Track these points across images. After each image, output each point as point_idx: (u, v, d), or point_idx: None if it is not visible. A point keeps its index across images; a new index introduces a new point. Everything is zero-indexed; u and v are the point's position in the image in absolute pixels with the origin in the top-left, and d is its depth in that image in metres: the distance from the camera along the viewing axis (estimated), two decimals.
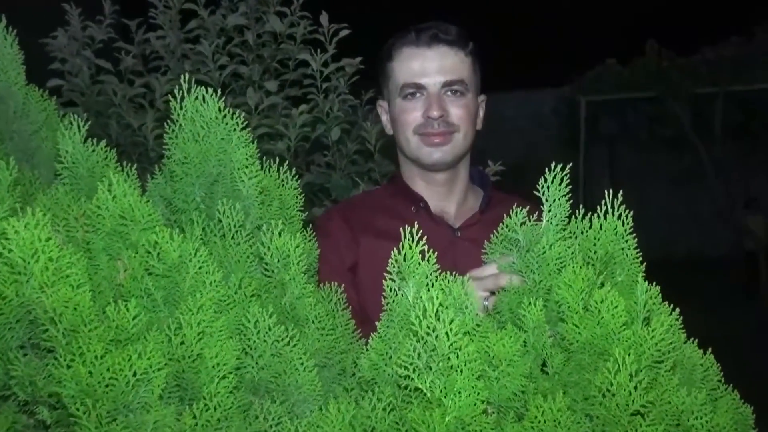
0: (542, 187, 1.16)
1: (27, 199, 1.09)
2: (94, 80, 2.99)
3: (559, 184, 1.15)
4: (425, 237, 0.99)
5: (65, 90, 2.94)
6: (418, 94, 1.83)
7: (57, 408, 0.84)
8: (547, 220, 1.17)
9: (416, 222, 1.04)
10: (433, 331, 0.89)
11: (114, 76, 3.00)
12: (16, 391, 0.85)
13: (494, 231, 1.26)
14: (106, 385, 0.83)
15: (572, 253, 1.12)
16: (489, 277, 1.31)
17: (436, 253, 1.00)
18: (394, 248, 1.01)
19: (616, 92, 11.92)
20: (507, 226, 1.22)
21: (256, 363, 0.98)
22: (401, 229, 0.99)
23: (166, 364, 0.87)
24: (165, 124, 1.18)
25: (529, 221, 1.18)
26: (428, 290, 0.92)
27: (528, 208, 1.18)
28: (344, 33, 2.80)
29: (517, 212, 1.19)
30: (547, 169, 1.15)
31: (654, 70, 11.38)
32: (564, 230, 1.16)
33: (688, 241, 12.52)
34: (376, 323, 1.03)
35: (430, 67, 1.82)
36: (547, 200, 1.16)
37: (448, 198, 1.95)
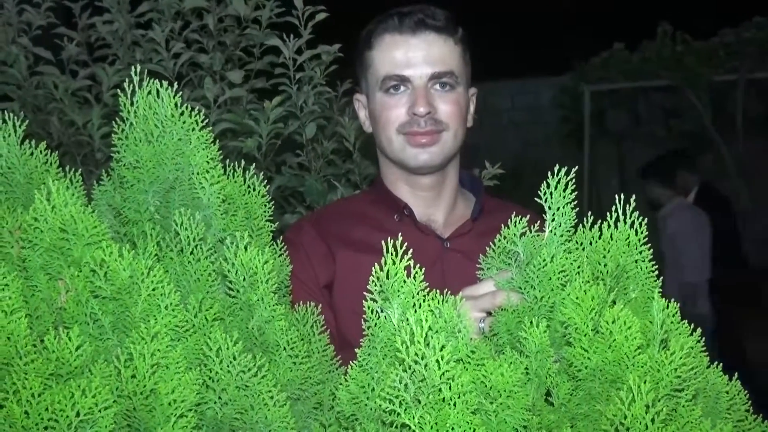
0: (544, 192, 1.15)
1: None
2: (32, 71, 2.97)
3: (564, 190, 1.15)
4: (411, 250, 0.99)
5: None
6: (402, 88, 1.82)
7: None
8: (551, 231, 1.17)
9: (400, 233, 1.03)
10: (422, 358, 0.88)
11: (55, 66, 2.98)
12: None
13: (488, 242, 1.26)
14: (45, 428, 0.82)
15: (579, 267, 1.12)
16: (485, 296, 1.31)
17: (423, 269, 0.99)
18: (375, 263, 1.00)
19: (625, 81, 11.97)
20: (505, 237, 1.22)
21: (220, 398, 0.97)
22: (383, 241, 0.98)
23: (114, 402, 0.86)
24: (114, 121, 1.17)
25: (530, 231, 1.18)
26: (415, 312, 0.91)
27: (528, 216, 1.17)
28: (321, 16, 2.79)
29: (516, 221, 1.19)
30: (549, 173, 1.15)
31: (668, 56, 11.45)
32: (569, 241, 1.16)
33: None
34: (356, 350, 1.03)
35: (415, 56, 1.81)
36: (550, 208, 1.16)
37: (435, 205, 1.95)
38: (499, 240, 1.23)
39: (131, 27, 2.92)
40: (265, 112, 2.70)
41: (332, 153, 3.03)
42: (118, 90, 1.17)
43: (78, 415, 0.83)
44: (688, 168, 6.56)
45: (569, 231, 1.16)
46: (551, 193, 1.15)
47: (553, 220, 1.16)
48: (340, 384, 1.03)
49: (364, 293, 1.02)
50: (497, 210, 1.90)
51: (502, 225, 1.21)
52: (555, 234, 1.16)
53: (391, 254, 0.99)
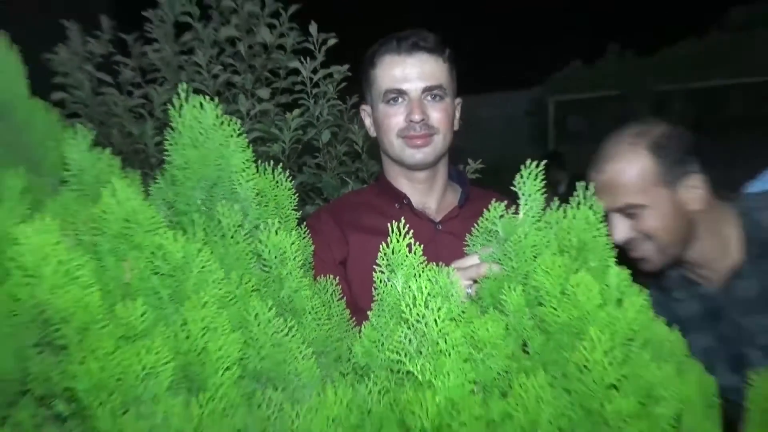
0: (518, 182, 1.16)
1: (36, 205, 1.08)
2: (96, 92, 2.97)
3: (534, 180, 1.15)
4: (410, 231, 0.99)
5: (69, 102, 2.91)
6: (400, 99, 1.82)
7: (72, 401, 0.83)
8: (524, 213, 1.17)
9: (401, 218, 1.04)
10: (423, 318, 0.88)
11: (114, 88, 2.98)
12: (32, 386, 0.83)
13: (473, 224, 1.26)
14: (118, 380, 0.82)
15: (548, 242, 1.12)
16: (471, 267, 1.31)
17: (421, 246, 1.00)
18: (383, 242, 1.00)
19: (582, 92, 11.96)
20: (486, 219, 1.22)
21: (258, 353, 0.97)
22: (389, 224, 0.98)
23: (173, 358, 0.86)
24: (164, 131, 1.17)
25: (507, 214, 1.18)
26: (416, 281, 0.91)
27: (506, 202, 1.18)
28: (332, 42, 2.79)
29: (495, 206, 1.19)
30: (522, 166, 1.15)
31: (616, 70, 11.45)
32: (539, 221, 1.16)
33: None
34: (368, 312, 1.03)
35: (411, 73, 1.80)
36: (523, 194, 1.16)
37: (429, 194, 1.95)
38: (482, 221, 1.23)
39: (176, 54, 2.91)
40: (288, 122, 2.70)
41: (344, 155, 3.02)
42: (168, 105, 1.17)
43: (144, 369, 0.83)
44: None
45: (539, 213, 1.16)
46: (524, 183, 1.16)
47: (526, 204, 1.16)
48: (356, 341, 1.03)
49: (373, 267, 1.02)
50: (480, 198, 1.90)
51: (484, 209, 1.21)
52: (528, 216, 1.16)
53: (396, 235, 0.99)
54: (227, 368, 0.90)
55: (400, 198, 1.90)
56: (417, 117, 1.78)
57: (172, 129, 1.16)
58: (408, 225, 0.99)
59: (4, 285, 0.86)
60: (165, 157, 1.17)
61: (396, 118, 1.82)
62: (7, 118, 1.27)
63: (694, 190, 1.72)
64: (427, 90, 1.81)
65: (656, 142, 1.70)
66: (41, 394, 0.84)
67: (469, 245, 1.29)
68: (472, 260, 1.32)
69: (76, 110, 2.92)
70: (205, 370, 0.89)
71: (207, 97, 1.16)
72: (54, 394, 0.84)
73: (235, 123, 1.17)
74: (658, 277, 1.87)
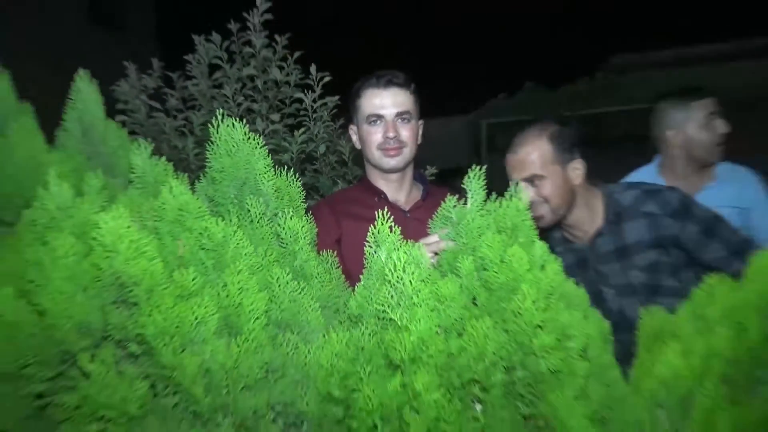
0: (467, 181, 1.16)
1: (111, 199, 1.06)
2: (149, 116, 2.91)
3: (478, 180, 1.16)
4: (391, 217, 0.99)
5: (129, 123, 2.86)
6: (378, 121, 1.82)
7: (142, 344, 0.82)
8: (471, 203, 1.17)
9: (380, 208, 1.04)
10: (401, 280, 0.89)
11: (162, 112, 2.92)
12: (112, 333, 0.82)
13: (433, 212, 1.26)
14: (176, 327, 0.81)
15: (489, 225, 1.12)
16: (433, 243, 1.32)
17: (399, 228, 1.00)
18: (369, 225, 1.00)
19: (506, 117, 12.05)
20: (443, 209, 1.22)
21: (279, 307, 0.97)
22: (373, 212, 0.98)
23: (217, 311, 0.86)
24: (201, 145, 1.15)
25: (458, 205, 1.18)
26: (396, 253, 0.91)
27: (457, 196, 1.18)
28: (327, 79, 2.77)
29: (449, 199, 1.19)
30: (470, 170, 1.16)
31: (531, 101, 11.53)
32: (481, 209, 1.16)
33: None
34: (360, 277, 1.03)
35: (386, 102, 1.81)
36: (471, 189, 1.16)
37: (399, 191, 1.95)
38: (440, 210, 1.23)
39: (209, 87, 2.87)
40: (295, 138, 2.67)
41: (335, 163, 3.00)
42: (204, 126, 1.15)
43: (196, 319, 0.82)
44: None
45: (482, 203, 1.16)
46: (471, 182, 1.16)
47: (472, 197, 1.16)
48: (350, 298, 1.02)
49: (362, 244, 1.02)
50: (436, 193, 1.91)
51: (440, 201, 1.21)
52: (474, 205, 1.16)
53: (381, 220, 0.99)
54: (257, 318, 0.90)
55: (379, 193, 1.90)
56: (391, 134, 1.79)
57: (212, 143, 1.14)
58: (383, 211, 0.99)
59: (88, 257, 0.85)
60: (206, 164, 1.16)
61: (376, 135, 1.83)
62: (89, 135, 1.24)
63: (576, 170, 1.82)
64: (398, 114, 1.82)
65: (553, 134, 1.81)
66: (119, 339, 0.83)
67: (431, 228, 1.29)
68: (434, 238, 1.32)
69: (134, 129, 2.87)
70: (240, 320, 0.89)
71: (234, 120, 1.14)
72: (128, 338, 0.83)
73: (258, 138, 1.16)
74: (544, 237, 1.94)
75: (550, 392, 0.91)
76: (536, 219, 1.77)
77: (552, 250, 1.92)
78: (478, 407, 0.92)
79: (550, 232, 1.95)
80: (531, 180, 1.79)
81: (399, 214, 1.87)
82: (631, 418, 0.98)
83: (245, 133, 1.14)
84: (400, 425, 0.83)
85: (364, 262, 1.01)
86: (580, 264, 1.90)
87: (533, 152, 1.79)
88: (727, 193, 2.29)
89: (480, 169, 1.16)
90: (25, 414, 0.82)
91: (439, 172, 3.09)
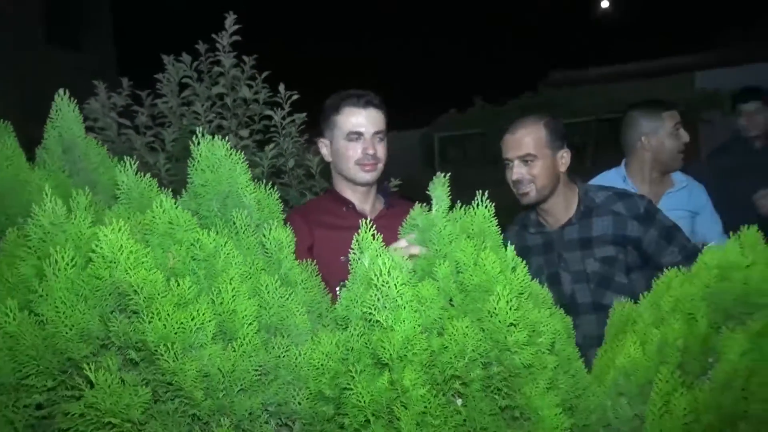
0: (432, 187, 1.20)
1: (98, 215, 1.07)
2: (119, 133, 2.88)
3: (442, 186, 1.20)
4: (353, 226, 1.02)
5: (98, 140, 2.81)
6: (359, 138, 1.89)
7: (141, 350, 0.84)
8: (436, 210, 1.21)
9: (349, 216, 1.07)
10: (386, 283, 0.93)
11: (132, 129, 2.89)
12: (114, 340, 0.84)
13: (396, 220, 1.30)
14: (175, 333, 0.84)
15: (459, 232, 1.17)
16: (403, 249, 1.36)
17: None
18: (352, 234, 1.04)
19: (457, 131, 12.27)
20: (411, 217, 1.26)
21: (269, 312, 0.99)
22: (361, 221, 1.02)
23: (213, 318, 0.88)
24: (174, 160, 1.17)
25: (425, 212, 1.23)
26: (381, 258, 0.96)
27: (416, 203, 1.24)
28: (295, 97, 2.81)
29: (417, 209, 1.24)
30: (434, 177, 1.20)
31: (480, 116, 11.79)
32: (448, 215, 1.19)
33: None
34: (332, 282, 1.03)
35: (366, 121, 1.89)
36: (435, 196, 1.20)
37: (366, 201, 2.00)
38: (408, 219, 1.26)
39: (179, 105, 2.86)
40: (265, 153, 2.69)
41: (303, 176, 3.02)
42: (174, 143, 1.17)
43: (195, 325, 0.85)
44: None
45: (447, 209, 1.19)
46: (435, 188, 1.20)
47: (437, 204, 1.20)
48: (337, 301, 1.06)
49: (335, 250, 1.03)
50: (398, 204, 2.00)
51: (402, 211, 1.24)
52: (439, 211, 1.19)
53: (364, 228, 1.04)
54: (250, 323, 0.93)
55: (348, 203, 1.95)
56: (371, 152, 1.89)
57: (194, 158, 1.17)
58: (353, 222, 1.03)
59: (87, 269, 0.86)
60: (176, 178, 1.18)
61: (354, 151, 1.90)
62: (70, 152, 1.25)
63: (563, 158, 2.00)
64: (376, 134, 1.91)
65: (548, 123, 1.99)
66: (119, 346, 0.85)
67: (400, 234, 1.33)
68: (401, 243, 1.36)
69: (105, 146, 2.82)
70: (235, 325, 0.92)
71: (220, 135, 1.17)
72: (128, 345, 0.85)
73: (240, 154, 1.19)
74: (523, 217, 2.15)
75: (524, 385, 0.97)
76: (522, 195, 2.00)
77: (526, 228, 2.08)
78: (459, 401, 0.97)
79: (528, 213, 2.13)
80: (525, 159, 1.96)
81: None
82: (595, 405, 1.05)
83: (227, 149, 1.18)
84: (390, 419, 0.87)
85: (335, 268, 1.04)
86: (547, 246, 2.07)
87: (530, 134, 1.96)
88: (683, 198, 2.51)
89: (444, 176, 1.21)
90: (25, 424, 0.82)
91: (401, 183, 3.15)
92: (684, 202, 2.48)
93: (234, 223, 1.11)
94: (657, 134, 2.45)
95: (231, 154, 1.18)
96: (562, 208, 2.03)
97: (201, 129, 1.21)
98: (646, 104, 2.55)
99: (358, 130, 1.89)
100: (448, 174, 1.24)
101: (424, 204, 1.25)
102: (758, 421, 0.89)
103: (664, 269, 1.15)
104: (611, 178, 2.53)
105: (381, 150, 1.92)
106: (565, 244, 2.02)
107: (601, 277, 1.98)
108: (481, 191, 1.20)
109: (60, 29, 10.41)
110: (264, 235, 1.11)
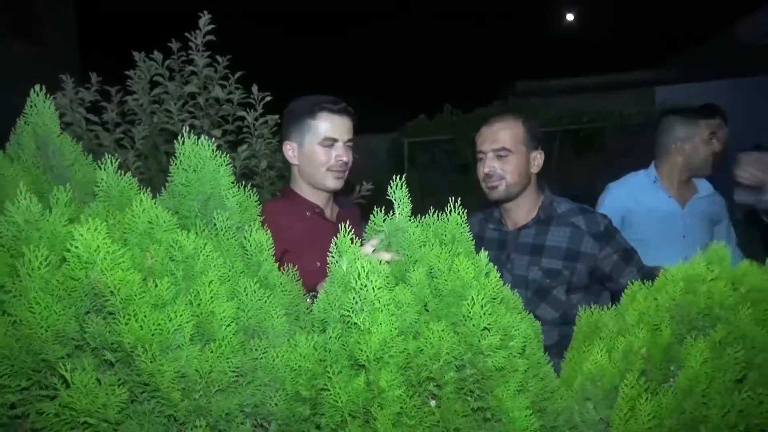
0: (391, 190, 1.15)
1: (77, 212, 1.04)
2: (87, 129, 2.80)
3: (400, 189, 1.16)
4: (321, 230, 1.02)
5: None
6: (332, 145, 1.89)
7: (118, 351, 0.82)
8: (399, 212, 1.19)
9: (315, 221, 1.06)
10: (365, 287, 0.93)
11: (100, 126, 2.82)
12: (89, 341, 0.82)
13: (352, 221, 1.29)
14: (152, 335, 0.82)
15: (429, 237, 1.17)
16: (379, 253, 1.35)
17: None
18: (325, 236, 1.04)
19: (426, 136, 12.34)
20: (373, 222, 1.24)
21: (247, 314, 0.98)
22: (339, 225, 1.02)
23: (191, 319, 0.87)
24: (141, 159, 1.15)
25: (388, 218, 1.21)
26: (358, 262, 0.96)
27: (375, 208, 1.21)
28: (267, 99, 2.78)
29: (377, 214, 1.22)
30: (392, 180, 1.15)
31: (449, 122, 11.87)
32: (413, 219, 1.17)
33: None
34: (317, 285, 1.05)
35: (341, 128, 1.91)
36: (396, 199, 1.16)
37: (327, 206, 2.00)
38: (370, 224, 1.25)
39: (150, 103, 2.80)
40: (238, 154, 2.66)
41: (275, 177, 3.00)
42: (144, 140, 1.15)
43: (172, 326, 0.83)
44: None
45: (409, 212, 1.17)
46: (395, 191, 1.15)
47: (398, 207, 1.17)
48: (315, 303, 1.06)
49: (301, 254, 1.02)
50: (347, 204, 2.04)
51: (353, 212, 1.22)
52: (402, 215, 1.17)
53: (342, 234, 1.04)
54: (228, 325, 0.91)
55: (313, 208, 1.94)
56: (345, 159, 1.90)
57: (176, 157, 1.15)
58: (320, 225, 1.03)
59: (62, 269, 0.84)
60: (145, 176, 1.16)
61: (327, 156, 1.89)
62: (44, 149, 1.21)
63: (536, 159, 2.00)
64: (347, 141, 1.92)
65: (526, 121, 2.00)
66: (94, 347, 0.83)
67: (363, 239, 1.31)
68: (367, 249, 1.35)
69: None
70: (213, 327, 0.90)
71: (207, 137, 1.15)
72: (104, 346, 0.83)
73: (225, 156, 1.17)
74: (489, 211, 2.16)
75: (496, 387, 0.98)
76: (491, 189, 2.00)
77: (487, 221, 2.13)
78: (433, 402, 0.98)
79: (493, 209, 2.13)
80: (499, 153, 1.95)
81: (331, 226, 1.92)
82: (563, 407, 1.07)
83: (213, 150, 1.16)
84: (366, 420, 0.87)
85: (310, 273, 1.03)
86: (500, 244, 2.07)
87: (507, 129, 1.96)
88: (708, 205, 2.60)
89: (401, 179, 1.19)
90: None
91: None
92: (708, 209, 2.58)
93: (214, 224, 1.10)
94: (692, 140, 2.52)
95: (216, 155, 1.16)
96: (524, 211, 2.03)
97: (184, 128, 1.19)
98: (685, 110, 2.64)
99: (333, 137, 1.89)
100: (414, 179, 1.23)
101: (383, 208, 1.23)
102: (717, 425, 0.92)
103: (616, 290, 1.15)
104: (640, 178, 2.61)
105: (350, 157, 1.96)
106: (517, 246, 2.02)
107: (539, 287, 1.95)
108: (452, 198, 1.20)
109: (21, 21, 10.06)
110: (245, 237, 1.10)
